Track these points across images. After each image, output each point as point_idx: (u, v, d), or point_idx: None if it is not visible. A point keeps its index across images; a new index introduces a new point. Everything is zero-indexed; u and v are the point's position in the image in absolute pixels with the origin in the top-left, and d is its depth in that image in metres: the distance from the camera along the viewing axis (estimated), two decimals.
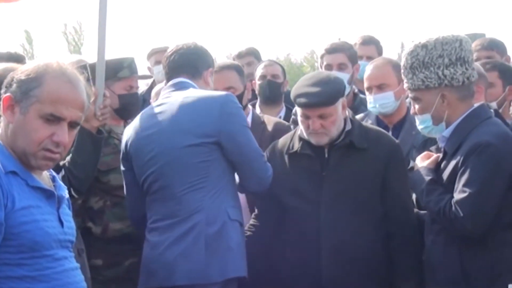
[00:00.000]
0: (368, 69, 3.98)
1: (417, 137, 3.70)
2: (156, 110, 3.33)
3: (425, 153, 3.21)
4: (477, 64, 3.74)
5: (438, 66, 3.01)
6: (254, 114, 4.11)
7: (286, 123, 4.15)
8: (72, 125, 2.23)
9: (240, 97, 3.97)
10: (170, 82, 3.39)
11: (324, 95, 3.20)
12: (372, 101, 3.90)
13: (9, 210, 2.09)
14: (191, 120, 3.17)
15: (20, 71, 2.21)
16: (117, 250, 3.66)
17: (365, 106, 4.45)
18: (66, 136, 2.21)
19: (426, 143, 3.56)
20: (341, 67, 4.52)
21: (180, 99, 3.23)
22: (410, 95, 3.15)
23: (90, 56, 2.62)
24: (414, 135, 3.83)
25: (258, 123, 4.02)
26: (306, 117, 3.23)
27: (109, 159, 3.70)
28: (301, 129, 3.33)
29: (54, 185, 2.31)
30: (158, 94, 5.19)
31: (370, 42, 5.25)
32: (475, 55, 4.69)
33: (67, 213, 2.34)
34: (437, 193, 2.99)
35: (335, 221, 3.20)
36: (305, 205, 3.24)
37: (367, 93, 3.96)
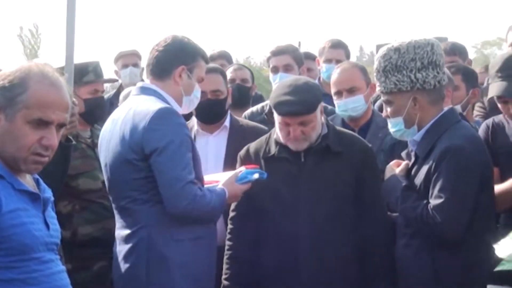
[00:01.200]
0: (335, 73, 4.03)
1: (385, 140, 3.77)
2: (115, 116, 3.25)
3: (394, 161, 3.25)
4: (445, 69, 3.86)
5: (411, 69, 3.05)
6: (232, 118, 4.08)
7: (264, 128, 4.11)
8: (59, 127, 2.25)
9: (224, 101, 4.00)
10: (136, 85, 3.34)
11: (306, 103, 3.23)
12: (343, 105, 3.95)
13: None
14: (130, 134, 3.06)
15: (1, 78, 2.20)
16: (86, 254, 3.67)
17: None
18: (55, 139, 2.23)
19: (395, 147, 3.63)
20: (287, 68, 4.64)
21: (131, 108, 3.14)
22: (382, 98, 3.19)
23: (48, 60, 2.57)
24: (380, 138, 3.92)
25: (237, 127, 4.01)
26: (286, 124, 3.26)
27: (77, 164, 3.70)
28: (277, 134, 3.36)
29: (38, 188, 2.32)
30: (126, 97, 5.24)
31: (339, 46, 5.33)
32: None
33: (52, 215, 2.35)
34: (412, 200, 3.02)
35: (312, 224, 3.25)
36: (283, 208, 3.28)
37: (335, 97, 4.00)
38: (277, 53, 4.69)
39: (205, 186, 3.18)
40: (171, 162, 2.98)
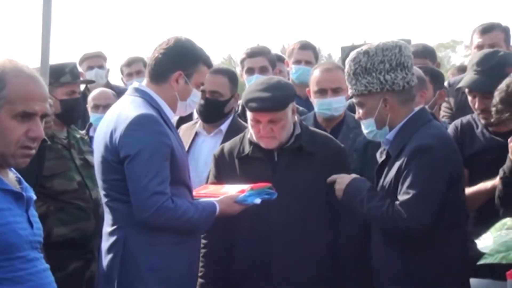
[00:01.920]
0: (318, 71, 4.07)
1: (358, 140, 3.83)
2: (108, 114, 3.24)
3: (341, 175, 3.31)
4: (418, 69, 3.88)
5: (380, 71, 3.11)
6: (232, 122, 4.07)
7: None
8: (42, 117, 2.27)
9: (223, 103, 4.01)
10: (132, 85, 3.31)
11: (275, 100, 3.27)
12: (327, 104, 4.00)
13: None
14: (110, 135, 3.06)
15: None
16: (61, 255, 3.66)
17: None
18: (41, 129, 2.26)
19: (368, 146, 3.68)
20: (263, 70, 4.70)
21: (119, 108, 3.16)
22: (354, 100, 3.24)
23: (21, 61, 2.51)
24: (351, 138, 3.98)
25: (233, 130, 3.94)
26: (256, 121, 3.31)
27: (52, 164, 3.73)
28: (250, 133, 3.41)
29: (21, 187, 2.33)
30: (95, 99, 5.27)
31: (308, 47, 5.39)
32: None
33: (34, 214, 2.37)
34: (377, 198, 3.09)
35: (285, 224, 3.30)
36: (257, 206, 3.26)
37: (316, 95, 4.04)
38: (253, 54, 4.74)
39: (205, 199, 3.20)
40: (140, 170, 2.97)
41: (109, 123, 3.12)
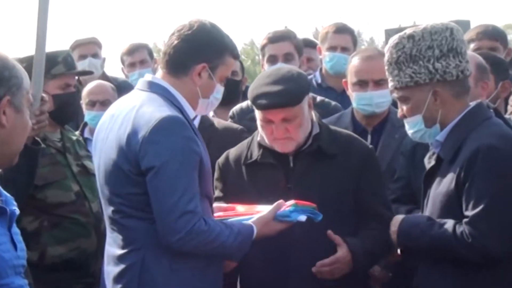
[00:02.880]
0: (359, 59, 4.09)
1: (404, 142, 3.84)
2: (115, 110, 3.22)
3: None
4: (477, 56, 3.91)
5: (428, 59, 3.12)
6: (202, 117, 4.10)
7: (238, 126, 4.25)
8: None
9: (239, 83, 4.19)
10: (144, 77, 3.28)
11: (288, 94, 3.27)
12: (368, 98, 4.04)
13: None
14: (127, 140, 3.03)
15: None
16: (57, 279, 3.73)
17: (315, 105, 4.67)
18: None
19: (416, 149, 3.69)
20: (287, 57, 4.71)
21: (135, 106, 3.12)
22: (396, 95, 3.25)
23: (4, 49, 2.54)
24: (397, 139, 4.04)
25: (205, 126, 4.07)
26: (268, 121, 3.31)
27: (45, 172, 3.75)
28: (260, 135, 3.42)
29: (1, 199, 2.36)
30: (90, 94, 5.33)
31: (345, 31, 5.43)
32: (475, 45, 4.86)
33: (17, 232, 2.39)
34: (438, 225, 3.08)
35: (304, 239, 3.29)
36: None
37: (354, 88, 4.07)
38: (276, 39, 4.75)
39: (236, 218, 3.21)
40: (167, 187, 2.95)
41: (123, 123, 3.08)
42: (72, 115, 4.09)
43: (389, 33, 6.00)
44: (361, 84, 4.06)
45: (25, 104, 2.37)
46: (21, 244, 2.39)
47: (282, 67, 3.63)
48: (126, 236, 3.11)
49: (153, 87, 3.17)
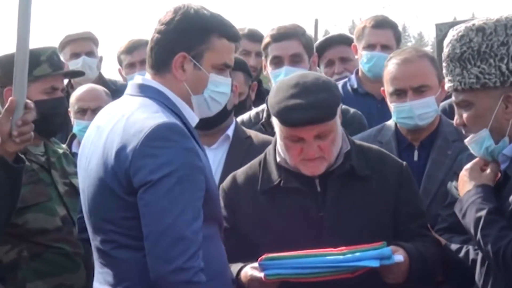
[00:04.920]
0: (394, 64, 4.01)
1: (459, 160, 3.72)
2: (100, 121, 3.18)
3: (476, 160, 3.25)
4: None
5: (501, 57, 3.07)
6: (237, 126, 4.13)
7: None
8: None
9: (243, 101, 4.06)
10: (134, 80, 3.26)
11: (322, 106, 3.22)
12: (407, 110, 3.95)
13: None
14: (116, 154, 2.98)
15: None
16: None
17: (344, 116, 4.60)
18: None
19: None
20: (295, 59, 4.61)
21: (124, 114, 3.08)
22: (455, 98, 3.19)
23: None
24: (450, 156, 3.94)
25: (241, 138, 4.03)
26: (296, 139, 3.26)
27: (25, 192, 3.68)
28: (279, 155, 3.37)
29: None
30: (80, 100, 5.27)
31: (386, 25, 5.27)
32: None
33: None
34: (498, 227, 3.02)
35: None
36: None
37: (391, 98, 4.01)
38: (280, 37, 4.64)
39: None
40: (162, 204, 2.89)
41: (110, 135, 3.03)
42: (59, 125, 4.03)
43: (441, 28, 5.89)
44: (399, 93, 3.97)
45: None
46: None
47: (307, 73, 3.53)
48: (118, 271, 3.03)
49: (145, 90, 3.13)
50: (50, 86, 3.93)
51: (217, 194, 3.17)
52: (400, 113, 3.98)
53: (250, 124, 4.50)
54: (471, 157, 3.48)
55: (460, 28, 3.16)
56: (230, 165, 3.92)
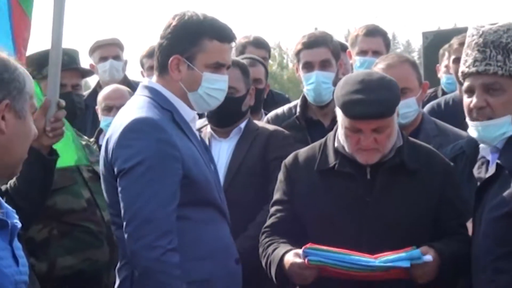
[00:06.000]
0: (379, 69, 3.94)
1: (443, 153, 3.62)
2: (116, 117, 3.22)
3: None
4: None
5: None
6: (249, 121, 4.17)
7: (286, 132, 4.18)
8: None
9: (240, 100, 4.03)
10: (142, 82, 3.34)
11: (384, 104, 3.17)
12: None
13: None
14: (105, 146, 3.07)
15: None
16: None
17: None
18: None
19: (456, 160, 3.53)
20: (324, 64, 4.54)
21: (120, 112, 3.17)
22: (486, 80, 3.09)
23: None
24: None
25: (251, 131, 4.09)
26: (356, 130, 3.21)
27: (55, 177, 3.58)
28: (338, 141, 3.32)
29: (2, 212, 2.30)
30: (106, 98, 5.25)
31: (376, 33, 5.27)
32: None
33: (19, 246, 2.32)
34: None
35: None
36: (342, 237, 3.17)
37: None
38: (312, 45, 4.56)
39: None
40: (132, 191, 2.93)
41: (109, 131, 3.12)
42: (73, 117, 3.96)
43: (427, 36, 5.87)
44: None
45: (29, 110, 2.29)
46: (23, 259, 2.32)
47: (372, 72, 3.51)
48: (121, 249, 3.08)
49: (145, 90, 3.17)
50: (61, 83, 3.78)
51: (209, 179, 3.14)
52: None
53: (285, 118, 4.52)
54: (453, 150, 3.54)
55: (505, 22, 3.12)
56: (236, 153, 4.02)
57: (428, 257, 3.04)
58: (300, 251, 3.10)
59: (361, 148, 3.22)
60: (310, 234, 3.25)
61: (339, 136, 3.29)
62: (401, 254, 3.02)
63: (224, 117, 4.05)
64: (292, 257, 3.12)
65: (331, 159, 3.31)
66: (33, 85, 2.34)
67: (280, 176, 3.42)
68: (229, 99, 3.90)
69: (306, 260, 3.03)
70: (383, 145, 3.22)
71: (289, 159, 3.43)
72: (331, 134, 3.39)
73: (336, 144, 3.32)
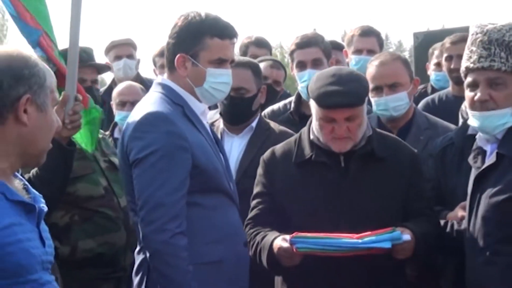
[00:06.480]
0: (372, 66, 4.04)
1: (434, 145, 3.76)
2: (133, 111, 3.27)
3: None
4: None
5: None
6: (260, 119, 4.18)
7: (293, 132, 4.14)
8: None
9: (251, 100, 4.04)
10: (156, 80, 3.39)
11: (354, 94, 3.23)
12: (383, 103, 3.99)
13: None
14: (121, 138, 3.15)
15: (8, 67, 2.25)
16: (89, 274, 3.70)
17: None
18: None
19: (445, 151, 3.60)
20: (316, 63, 4.59)
21: (137, 107, 3.22)
22: (485, 75, 3.09)
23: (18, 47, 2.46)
24: (422, 141, 3.96)
25: (262, 129, 4.11)
26: (329, 120, 3.26)
27: (74, 166, 3.67)
28: (313, 134, 3.37)
29: (30, 197, 2.33)
30: (121, 94, 5.30)
31: (371, 34, 5.32)
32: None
33: (45, 229, 2.36)
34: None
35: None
36: (320, 222, 3.21)
37: (371, 94, 4.00)
38: (304, 45, 4.63)
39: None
40: (144, 178, 3.00)
41: (125, 125, 3.18)
42: None
43: (417, 36, 5.88)
44: (376, 90, 4.02)
45: (50, 103, 2.32)
46: (49, 241, 2.36)
47: (342, 68, 3.60)
48: (138, 233, 3.11)
49: (159, 87, 3.23)
50: (79, 78, 3.83)
51: (218, 168, 3.20)
52: (378, 106, 4.04)
53: (280, 113, 4.58)
54: (443, 141, 3.59)
55: (507, 22, 3.15)
56: (249, 150, 4.04)
57: (407, 237, 3.10)
58: (287, 236, 3.14)
59: (335, 137, 3.28)
60: (293, 222, 3.28)
61: (314, 128, 3.35)
62: (383, 234, 3.06)
63: (235, 116, 4.09)
64: (280, 241, 3.16)
65: (307, 151, 3.38)
66: (54, 80, 2.35)
67: (259, 171, 3.48)
68: (240, 99, 4.02)
69: (294, 248, 3.08)
70: (355, 134, 3.29)
71: (267, 154, 3.50)
72: (305, 129, 3.46)
73: (311, 137, 3.38)
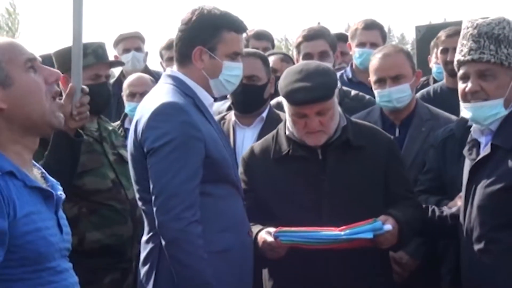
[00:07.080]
0: (376, 58, 3.96)
1: (435, 135, 3.72)
2: (142, 101, 3.23)
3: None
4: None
5: None
6: (270, 110, 4.11)
7: None
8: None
9: (262, 88, 3.99)
10: (165, 72, 3.32)
11: (323, 88, 3.18)
12: (386, 95, 3.89)
13: (11, 219, 2.07)
14: (135, 128, 3.08)
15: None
16: (95, 264, 3.62)
17: (349, 99, 4.50)
18: (52, 70, 2.29)
19: (446, 142, 3.58)
20: (323, 55, 4.54)
21: (148, 97, 3.16)
22: (475, 68, 3.07)
23: (28, 43, 2.41)
24: (424, 132, 3.90)
25: (273, 120, 3.97)
26: (301, 116, 3.21)
27: (83, 159, 3.61)
28: (288, 129, 3.32)
29: (48, 185, 2.29)
30: (131, 86, 5.23)
31: (374, 27, 5.24)
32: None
33: (63, 216, 2.33)
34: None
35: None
36: (303, 214, 3.19)
37: (375, 86, 3.94)
38: (311, 37, 4.58)
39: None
40: (160, 167, 2.93)
41: (137, 115, 3.11)
42: (103, 105, 3.92)
43: (419, 29, 5.83)
44: (380, 81, 3.93)
45: (21, 71, 2.20)
46: (66, 228, 2.33)
47: (310, 62, 3.52)
48: (148, 221, 3.06)
49: (169, 79, 3.16)
50: (94, 73, 3.84)
51: (227, 159, 3.12)
52: (382, 98, 3.94)
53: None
54: (444, 132, 3.57)
55: (498, 17, 3.11)
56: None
57: (388, 226, 3.06)
58: (271, 229, 3.10)
59: (308, 132, 3.23)
60: (277, 217, 3.23)
61: (288, 124, 3.29)
62: (365, 226, 3.02)
63: (248, 104, 4.03)
64: (264, 235, 3.12)
65: (284, 147, 3.32)
66: (23, 51, 2.23)
67: (240, 169, 3.41)
68: (252, 86, 3.99)
69: (278, 242, 3.04)
70: (328, 126, 3.23)
71: (246, 152, 3.47)
72: (281, 124, 3.41)
73: (287, 132, 3.31)
